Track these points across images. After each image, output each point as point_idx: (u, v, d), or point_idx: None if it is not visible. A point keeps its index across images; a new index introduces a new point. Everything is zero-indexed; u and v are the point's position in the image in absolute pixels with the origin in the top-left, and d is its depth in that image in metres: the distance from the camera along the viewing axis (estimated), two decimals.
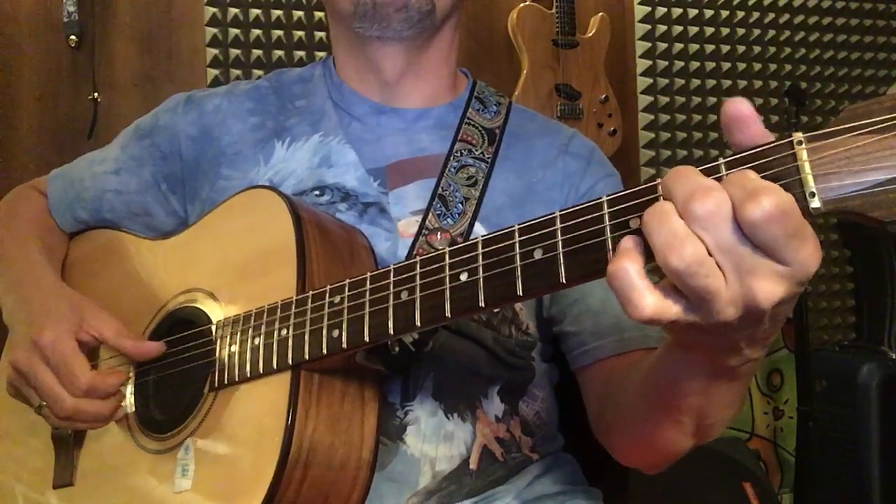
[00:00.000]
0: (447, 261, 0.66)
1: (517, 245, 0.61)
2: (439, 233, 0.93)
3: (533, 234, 0.60)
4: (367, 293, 0.72)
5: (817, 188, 0.49)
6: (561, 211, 0.59)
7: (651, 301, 0.52)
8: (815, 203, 0.49)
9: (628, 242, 0.53)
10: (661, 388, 0.73)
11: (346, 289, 0.74)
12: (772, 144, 0.51)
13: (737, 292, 0.50)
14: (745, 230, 0.49)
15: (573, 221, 0.58)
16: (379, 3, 0.94)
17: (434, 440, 0.90)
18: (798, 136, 0.50)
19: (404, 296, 0.69)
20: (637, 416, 0.82)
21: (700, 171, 0.52)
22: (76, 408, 0.86)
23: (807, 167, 0.49)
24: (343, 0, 0.98)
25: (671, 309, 0.52)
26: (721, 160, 0.52)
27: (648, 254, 0.52)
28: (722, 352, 0.59)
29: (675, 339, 0.63)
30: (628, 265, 0.52)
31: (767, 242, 0.49)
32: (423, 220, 0.93)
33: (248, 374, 0.79)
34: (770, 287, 0.50)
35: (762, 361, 2.54)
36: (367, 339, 0.71)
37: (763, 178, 0.50)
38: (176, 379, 0.88)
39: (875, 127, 0.48)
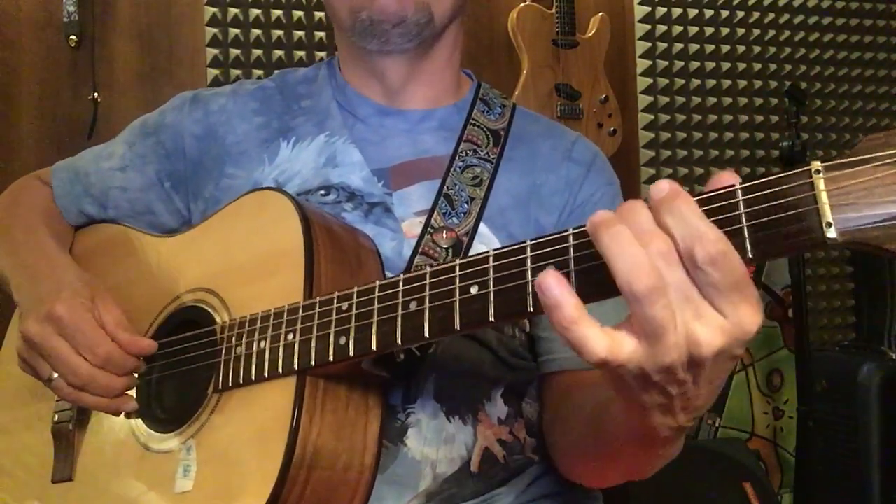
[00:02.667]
0: (457, 273, 0.65)
1: (529, 261, 0.61)
2: (445, 231, 0.93)
3: (545, 251, 0.60)
4: (376, 301, 0.71)
5: (834, 218, 0.48)
6: (574, 229, 0.59)
7: (604, 344, 0.53)
8: (832, 234, 0.48)
9: (557, 290, 0.53)
10: (603, 433, 0.76)
11: (355, 296, 0.73)
12: (789, 172, 0.50)
13: (681, 334, 0.52)
14: (690, 270, 0.51)
15: (587, 239, 0.57)
16: (376, 20, 0.94)
17: (435, 443, 0.90)
18: (816, 164, 0.50)
19: (413, 306, 0.68)
20: (585, 447, 0.85)
21: (716, 195, 0.53)
22: (91, 375, 0.84)
23: (824, 197, 0.49)
24: (342, 14, 0.98)
25: (623, 349, 0.53)
26: (738, 185, 0.52)
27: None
28: (657, 411, 0.59)
29: (617, 394, 0.63)
30: (571, 311, 0.53)
31: (709, 286, 0.51)
32: (429, 218, 0.93)
33: (253, 378, 0.79)
34: (710, 335, 0.51)
35: (762, 364, 2.54)
36: (374, 347, 0.71)
37: (779, 205, 0.50)
38: (180, 378, 0.88)
39: (895, 159, 0.47)
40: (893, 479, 2.17)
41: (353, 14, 0.96)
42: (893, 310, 2.49)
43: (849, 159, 0.49)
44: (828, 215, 0.49)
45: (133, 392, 0.90)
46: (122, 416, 0.90)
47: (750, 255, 0.51)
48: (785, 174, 0.51)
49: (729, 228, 0.51)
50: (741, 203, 0.51)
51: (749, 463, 2.13)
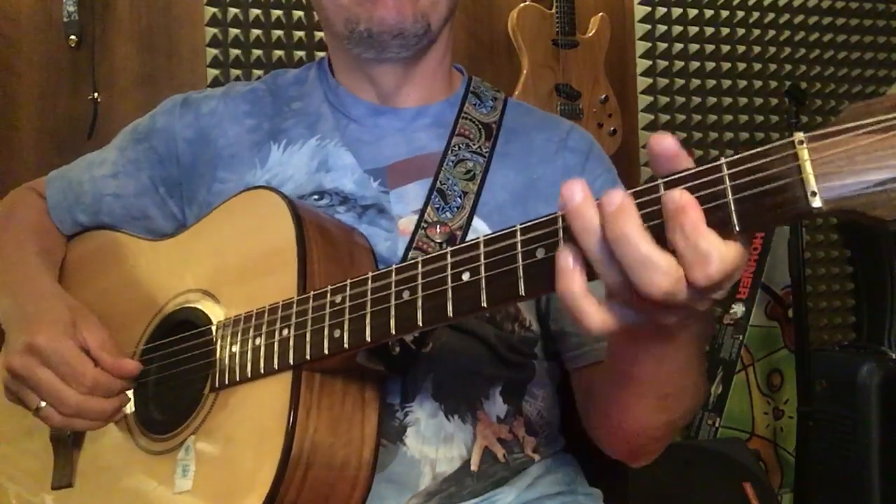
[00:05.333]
0: (449, 260, 0.66)
1: (519, 244, 0.61)
2: (439, 226, 0.93)
3: (535, 234, 0.60)
4: (369, 293, 0.71)
5: (819, 188, 0.49)
6: (563, 211, 0.59)
7: (599, 318, 0.57)
8: (817, 203, 0.49)
9: (566, 260, 0.57)
10: (614, 368, 0.79)
11: (348, 288, 0.73)
12: (773, 144, 0.51)
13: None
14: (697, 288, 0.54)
15: None
16: (375, 32, 0.94)
17: (434, 442, 0.90)
18: (799, 135, 0.50)
19: (406, 295, 0.68)
20: (605, 402, 0.86)
21: (701, 171, 0.53)
22: (81, 405, 0.85)
23: (808, 167, 0.49)
24: (338, 23, 0.98)
25: (616, 319, 0.57)
26: (723, 160, 0.53)
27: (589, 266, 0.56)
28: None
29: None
30: (574, 287, 0.56)
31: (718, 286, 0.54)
32: (422, 213, 0.94)
33: (249, 375, 0.79)
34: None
35: (762, 364, 2.52)
36: (369, 338, 0.71)
37: (764, 178, 0.51)
38: (176, 380, 0.88)
39: (876, 126, 0.48)
40: (893, 480, 2.17)
41: (350, 25, 0.96)
42: (893, 310, 2.49)
43: (831, 129, 0.49)
44: (812, 185, 0.49)
45: (130, 395, 0.90)
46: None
47: (737, 228, 0.51)
48: (769, 146, 0.51)
49: (714, 203, 0.52)
50: (726, 177, 0.52)
51: (749, 463, 2.12)
